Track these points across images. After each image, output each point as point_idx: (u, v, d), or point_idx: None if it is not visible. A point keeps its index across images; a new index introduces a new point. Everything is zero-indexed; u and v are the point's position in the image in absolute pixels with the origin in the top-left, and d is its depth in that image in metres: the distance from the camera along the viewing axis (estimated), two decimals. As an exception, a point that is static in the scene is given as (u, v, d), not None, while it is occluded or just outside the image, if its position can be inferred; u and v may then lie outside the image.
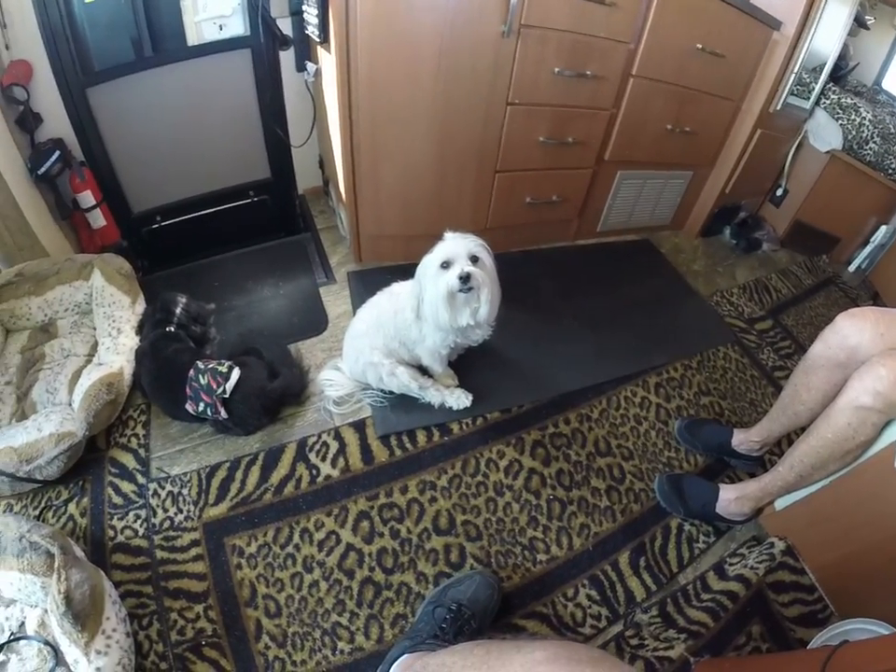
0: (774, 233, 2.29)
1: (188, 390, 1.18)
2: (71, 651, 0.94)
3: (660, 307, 1.76)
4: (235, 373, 1.17)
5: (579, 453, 1.29)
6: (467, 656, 0.62)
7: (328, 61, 1.44)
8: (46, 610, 1.04)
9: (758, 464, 1.28)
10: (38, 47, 1.47)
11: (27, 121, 1.51)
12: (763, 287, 1.98)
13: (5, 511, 1.25)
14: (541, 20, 1.34)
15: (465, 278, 1.04)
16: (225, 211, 1.94)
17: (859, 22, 2.09)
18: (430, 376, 1.33)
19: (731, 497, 1.15)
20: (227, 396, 1.17)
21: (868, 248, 2.27)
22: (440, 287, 1.07)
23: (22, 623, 1.06)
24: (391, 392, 1.32)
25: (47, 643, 1.00)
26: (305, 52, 1.71)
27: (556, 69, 1.42)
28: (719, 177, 2.04)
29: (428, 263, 1.09)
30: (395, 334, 1.23)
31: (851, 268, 2.33)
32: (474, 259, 1.07)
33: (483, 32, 1.30)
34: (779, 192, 2.27)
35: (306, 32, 1.55)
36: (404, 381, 1.26)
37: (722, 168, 2.01)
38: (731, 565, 1.10)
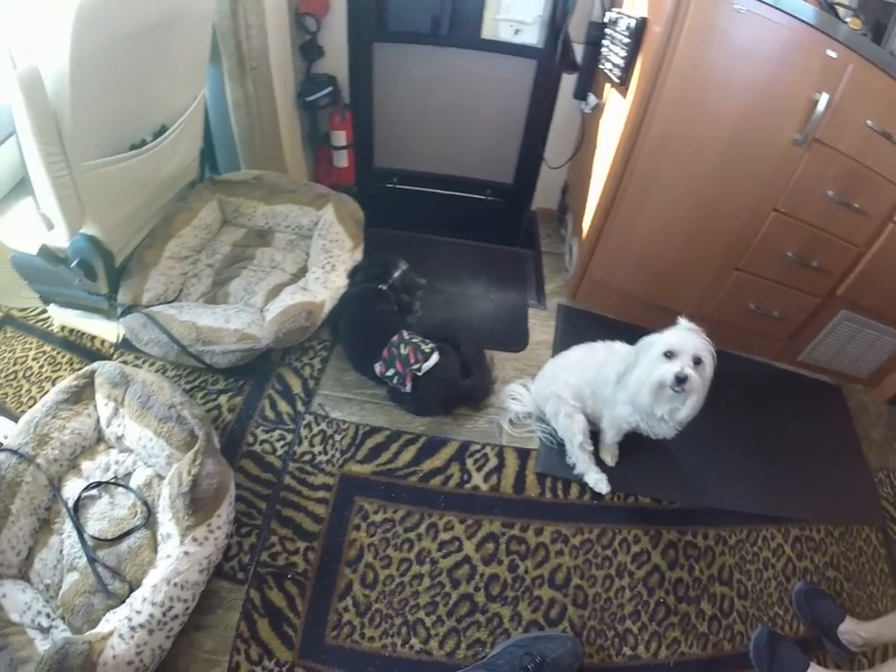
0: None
1: (384, 352, 1.31)
2: (168, 526, 1.06)
3: (828, 461, 1.76)
4: (435, 357, 1.30)
5: (703, 570, 1.33)
6: None
7: (618, 103, 1.55)
8: (158, 475, 1.19)
9: (849, 658, 1.27)
10: (341, -13, 1.68)
11: (310, 51, 1.74)
12: (927, 480, 1.93)
13: (158, 371, 1.46)
14: (834, 140, 1.39)
15: (682, 379, 1.09)
16: (458, 198, 2.12)
17: None
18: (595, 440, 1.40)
19: None
20: (420, 374, 1.29)
21: None
22: (653, 374, 1.13)
23: (129, 474, 1.22)
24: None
25: (145, 503, 1.14)
26: (589, 83, 1.82)
27: (829, 192, 1.47)
28: (934, 351, 2.00)
29: (653, 344, 1.15)
30: (591, 383, 1.31)
31: None
32: (697, 361, 1.12)
33: (779, 133, 1.38)
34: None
35: (600, 66, 1.67)
36: (574, 428, 1.33)
37: (941, 343, 1.98)
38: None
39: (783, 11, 1.26)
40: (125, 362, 1.47)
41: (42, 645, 0.97)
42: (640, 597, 1.23)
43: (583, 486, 1.36)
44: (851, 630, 1.25)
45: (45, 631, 1.02)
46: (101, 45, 1.11)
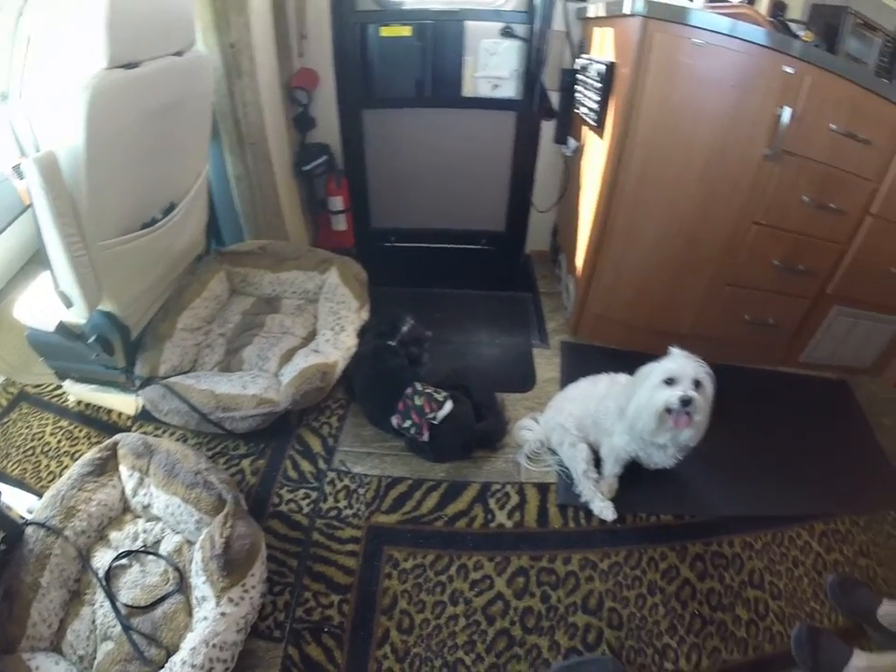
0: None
1: (400, 405, 1.35)
2: (203, 589, 1.07)
3: (843, 455, 1.76)
4: (449, 404, 1.34)
5: (733, 577, 1.33)
6: None
7: (596, 144, 1.63)
8: (188, 541, 1.20)
9: (894, 640, 1.24)
10: (328, 62, 1.82)
11: (303, 122, 1.85)
12: (950, 457, 1.92)
13: (179, 440, 1.48)
14: (803, 148, 1.46)
15: (686, 402, 1.12)
16: (455, 250, 2.21)
17: None
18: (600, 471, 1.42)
19: (862, 666, 1.15)
20: (436, 422, 1.33)
21: None
22: (656, 400, 1.16)
23: (157, 542, 1.23)
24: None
25: (176, 569, 1.16)
26: (567, 127, 1.93)
27: (805, 197, 1.52)
28: (933, 329, 2.01)
29: (652, 372, 1.19)
30: (593, 414, 1.35)
31: None
32: (697, 384, 1.15)
33: (749, 151, 1.44)
34: None
35: (576, 111, 1.76)
36: (577, 456, 1.36)
37: (939, 321, 1.99)
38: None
39: (739, 38, 1.34)
40: (145, 433, 1.51)
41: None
42: (675, 612, 1.23)
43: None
44: (891, 612, 1.25)
45: (82, 703, 0.99)
46: (113, 128, 1.16)
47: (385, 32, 1.78)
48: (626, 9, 1.38)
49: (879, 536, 1.53)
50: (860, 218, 1.62)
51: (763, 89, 1.38)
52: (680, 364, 1.15)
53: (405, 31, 1.78)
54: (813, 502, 1.56)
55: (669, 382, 1.15)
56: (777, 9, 1.97)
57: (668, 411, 1.15)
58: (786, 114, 1.39)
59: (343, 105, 1.85)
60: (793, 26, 1.76)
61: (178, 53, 1.31)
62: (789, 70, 1.36)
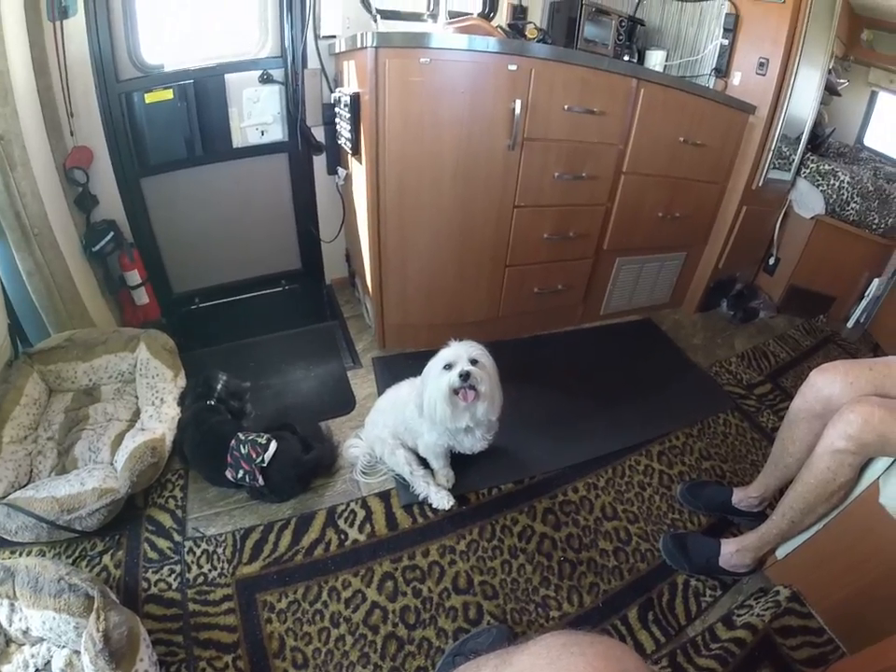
0: (770, 301, 2.59)
1: (229, 458, 1.40)
2: None
3: (662, 381, 1.99)
4: (273, 445, 1.40)
5: (587, 518, 1.47)
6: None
7: (358, 169, 1.77)
8: (75, 651, 1.18)
9: (759, 520, 1.35)
10: (100, 136, 1.83)
11: (85, 202, 1.84)
12: (761, 354, 2.24)
13: (37, 555, 1.41)
14: (542, 133, 1.68)
15: (464, 376, 1.25)
16: (258, 297, 2.30)
17: (830, 91, 2.45)
18: (430, 467, 1.51)
19: (732, 550, 1.29)
20: (265, 465, 1.39)
21: (864, 303, 2.53)
22: (441, 385, 1.27)
23: (48, 662, 1.20)
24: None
25: None
26: (336, 158, 2.08)
27: (556, 174, 1.75)
28: (711, 254, 2.35)
29: (432, 365, 1.31)
30: (402, 420, 1.47)
31: (850, 324, 2.59)
32: (473, 362, 1.28)
33: (493, 145, 1.64)
34: (771, 261, 2.59)
35: (338, 142, 1.90)
36: (400, 462, 1.47)
37: (714, 245, 2.33)
38: (739, 616, 1.21)
39: (460, 49, 1.51)
40: (2, 559, 1.41)
41: None
42: (542, 565, 1.35)
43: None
44: (742, 497, 1.43)
45: None
46: None
47: (150, 98, 1.83)
48: (359, 43, 1.54)
49: (715, 438, 1.75)
50: (615, 179, 1.89)
51: (492, 88, 1.57)
52: (454, 350, 1.29)
53: (168, 94, 1.84)
54: (646, 428, 1.74)
55: (448, 367, 1.28)
56: (518, 13, 2.27)
57: (456, 392, 1.28)
58: (518, 106, 1.58)
59: (121, 178, 1.88)
60: (522, 24, 2.04)
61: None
62: (512, 67, 1.55)
